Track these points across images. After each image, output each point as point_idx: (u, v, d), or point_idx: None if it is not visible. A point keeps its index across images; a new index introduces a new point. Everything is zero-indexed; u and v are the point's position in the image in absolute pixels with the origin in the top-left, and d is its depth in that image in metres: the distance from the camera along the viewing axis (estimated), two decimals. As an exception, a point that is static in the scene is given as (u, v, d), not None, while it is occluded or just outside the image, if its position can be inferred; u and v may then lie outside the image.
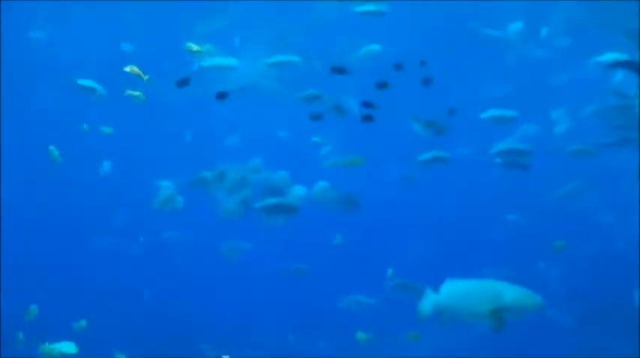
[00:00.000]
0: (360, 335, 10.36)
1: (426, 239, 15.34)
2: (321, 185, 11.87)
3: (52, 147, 9.77)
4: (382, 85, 9.43)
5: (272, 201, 10.61)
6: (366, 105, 9.51)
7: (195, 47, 9.15)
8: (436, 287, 6.80)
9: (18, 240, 14.20)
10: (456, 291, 6.62)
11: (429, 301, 6.82)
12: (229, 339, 12.72)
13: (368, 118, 9.48)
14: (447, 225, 15.76)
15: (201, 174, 11.72)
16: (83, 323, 10.57)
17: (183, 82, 9.32)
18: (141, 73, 8.29)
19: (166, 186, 12.10)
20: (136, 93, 9.07)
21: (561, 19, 14.07)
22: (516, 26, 14.22)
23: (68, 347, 7.77)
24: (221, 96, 9.85)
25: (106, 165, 13.03)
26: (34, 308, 10.35)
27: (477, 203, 15.78)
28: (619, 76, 12.15)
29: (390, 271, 11.28)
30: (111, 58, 9.78)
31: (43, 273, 13.80)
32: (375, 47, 12.20)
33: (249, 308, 14.73)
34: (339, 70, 9.72)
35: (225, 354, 11.85)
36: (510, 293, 6.36)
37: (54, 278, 13.62)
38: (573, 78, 14.52)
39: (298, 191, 11.58)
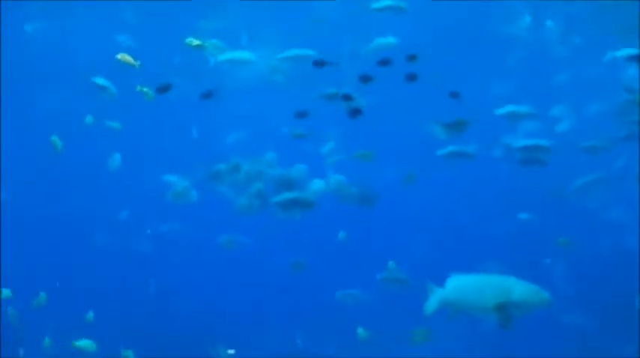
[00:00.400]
0: (361, 332, 10.31)
1: (429, 236, 15.29)
2: (337, 179, 11.58)
3: (54, 138, 9.82)
4: (366, 79, 9.31)
5: (289, 195, 10.34)
6: (346, 98, 9.39)
7: (195, 42, 9.15)
8: (439, 283, 6.76)
9: (20, 239, 14.22)
10: (462, 286, 6.58)
11: (435, 296, 6.78)
12: (234, 337, 12.69)
13: (356, 112, 9.36)
14: (452, 222, 15.72)
15: (215, 167, 11.58)
16: (91, 315, 10.65)
17: (164, 89, 9.27)
18: (132, 60, 8.35)
19: (177, 181, 12.02)
20: (145, 88, 9.13)
21: (566, 17, 13.99)
22: (524, 22, 14.11)
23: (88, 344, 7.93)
24: (206, 95, 9.84)
25: (116, 159, 12.94)
26: (42, 296, 10.42)
27: (480, 199, 15.73)
28: (631, 71, 12.03)
29: (391, 264, 11.19)
30: (113, 54, 9.76)
31: (48, 271, 13.79)
32: (391, 40, 11.85)
33: (252, 305, 14.70)
34: (321, 64, 9.61)
35: (236, 353, 11.84)
36: (518, 288, 6.32)
37: (58, 275, 13.61)
38: (577, 74, 14.45)
39: (317, 185, 11.26)
